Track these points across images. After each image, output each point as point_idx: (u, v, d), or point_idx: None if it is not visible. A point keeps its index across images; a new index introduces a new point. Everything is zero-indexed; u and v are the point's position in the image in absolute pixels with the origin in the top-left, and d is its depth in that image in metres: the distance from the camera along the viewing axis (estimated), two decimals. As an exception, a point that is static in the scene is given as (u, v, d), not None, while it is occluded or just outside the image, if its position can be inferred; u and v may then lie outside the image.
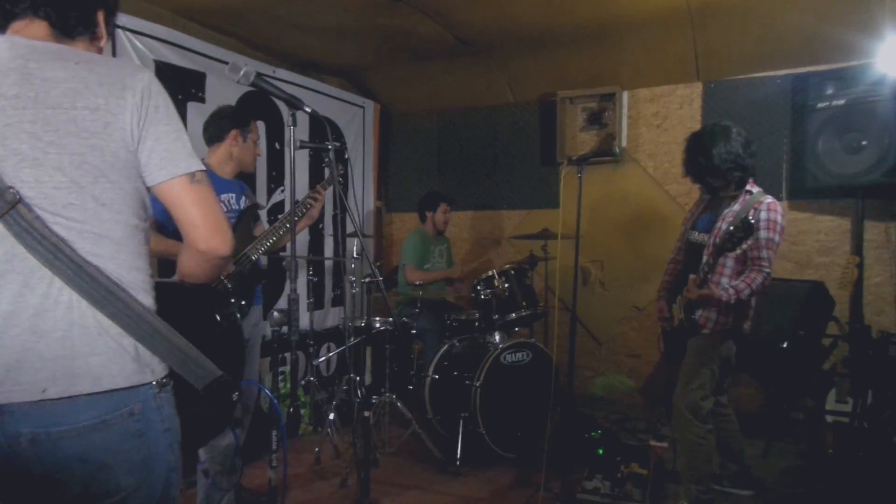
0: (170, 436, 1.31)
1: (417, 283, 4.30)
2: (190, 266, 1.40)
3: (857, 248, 3.90)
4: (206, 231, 1.31)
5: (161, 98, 1.29)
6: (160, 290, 1.35)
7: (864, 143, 3.65)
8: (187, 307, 1.40)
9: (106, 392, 1.21)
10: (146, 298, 1.28)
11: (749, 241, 2.64)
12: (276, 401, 2.45)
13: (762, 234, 2.76)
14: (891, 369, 3.46)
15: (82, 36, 1.34)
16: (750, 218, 2.63)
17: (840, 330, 3.73)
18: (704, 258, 2.89)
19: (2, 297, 1.19)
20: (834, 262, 4.09)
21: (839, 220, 4.09)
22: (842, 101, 3.73)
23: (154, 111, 1.27)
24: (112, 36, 1.48)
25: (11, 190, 1.16)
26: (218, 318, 1.47)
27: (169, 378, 1.31)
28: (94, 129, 1.22)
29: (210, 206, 1.33)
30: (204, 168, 1.34)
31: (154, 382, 1.28)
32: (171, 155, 1.29)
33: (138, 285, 1.27)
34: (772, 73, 4.25)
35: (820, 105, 3.82)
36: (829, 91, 3.79)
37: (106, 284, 1.21)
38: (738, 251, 2.69)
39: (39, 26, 1.30)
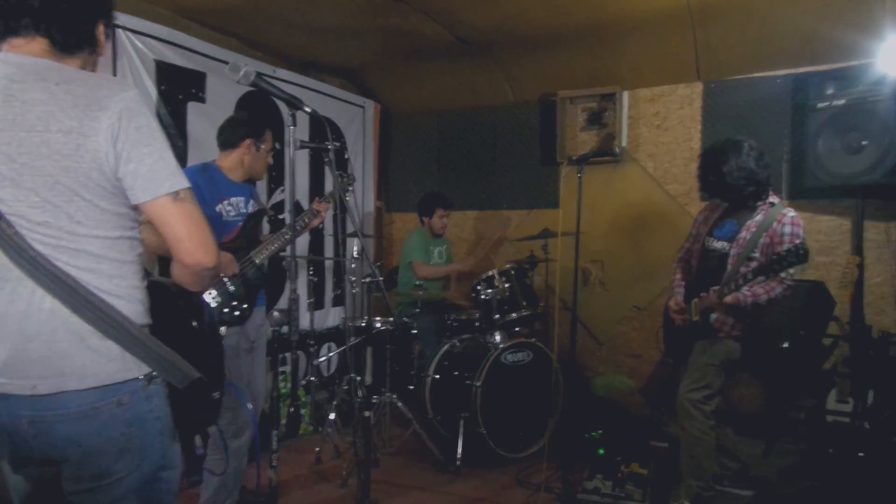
0: (159, 424, 1.39)
1: (424, 278, 4.30)
2: (180, 277, 1.46)
3: (858, 248, 3.89)
4: (191, 245, 1.36)
5: (143, 118, 1.31)
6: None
7: (864, 142, 3.64)
8: (166, 311, 1.46)
9: (92, 388, 1.29)
10: (127, 305, 1.34)
11: (796, 268, 2.70)
12: (248, 403, 2.47)
13: (786, 248, 2.78)
14: (891, 369, 3.46)
15: (82, 52, 1.38)
16: (804, 244, 2.67)
17: (841, 330, 3.73)
18: (729, 268, 2.91)
19: None
20: (834, 262, 4.08)
21: (839, 220, 4.08)
22: (842, 101, 3.72)
23: (136, 132, 1.30)
24: (112, 36, 1.50)
25: None
26: (194, 324, 1.52)
27: (156, 372, 1.38)
28: (67, 152, 1.26)
29: (195, 221, 1.37)
30: (188, 185, 1.37)
31: (141, 377, 1.35)
32: (153, 175, 1.32)
33: (120, 293, 1.33)
34: (772, 73, 4.24)
35: (820, 105, 3.81)
36: (830, 91, 3.78)
37: (83, 294, 1.27)
38: (784, 274, 2.75)
39: (39, 44, 1.33)
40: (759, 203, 2.94)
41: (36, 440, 1.30)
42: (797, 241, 2.76)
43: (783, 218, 2.84)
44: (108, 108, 1.27)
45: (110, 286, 1.32)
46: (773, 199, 2.96)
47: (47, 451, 1.32)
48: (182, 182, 1.35)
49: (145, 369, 1.35)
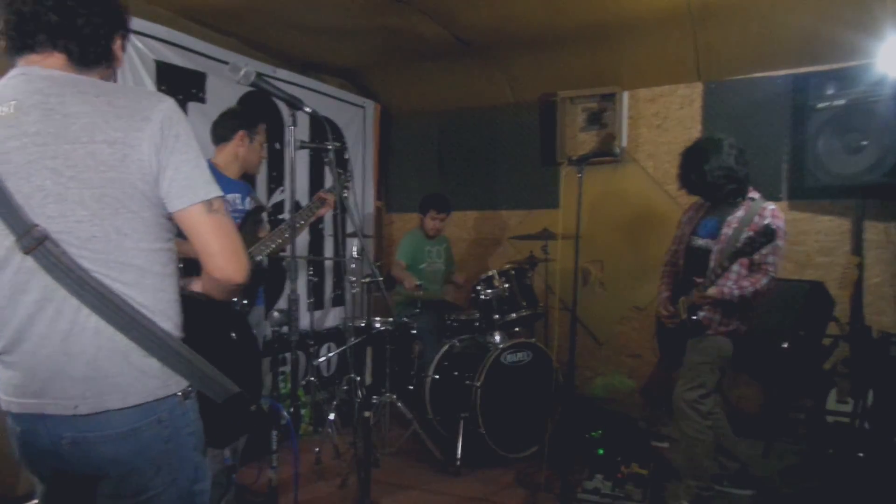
0: (194, 439, 1.40)
1: (394, 276, 4.44)
2: (207, 288, 1.46)
3: (858, 249, 3.90)
4: (221, 260, 1.36)
5: (181, 126, 1.33)
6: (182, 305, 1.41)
7: (864, 143, 3.64)
8: (205, 323, 1.46)
9: (133, 406, 1.30)
10: (169, 321, 1.34)
11: (767, 248, 2.72)
12: (288, 415, 2.48)
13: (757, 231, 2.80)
14: (891, 369, 3.46)
15: (99, 66, 1.37)
16: (771, 224, 2.71)
17: (840, 330, 3.73)
18: (712, 264, 2.93)
19: (39, 322, 1.27)
20: (834, 262, 4.09)
21: (839, 220, 4.08)
22: (842, 101, 3.73)
23: (174, 140, 1.31)
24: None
25: (38, 227, 1.22)
26: (234, 335, 1.53)
27: (192, 386, 1.39)
28: (112, 163, 1.25)
29: (227, 235, 1.37)
30: (221, 194, 1.37)
31: (179, 393, 1.36)
32: (189, 183, 1.33)
33: (161, 308, 1.33)
34: (772, 73, 4.24)
35: (820, 105, 3.81)
36: (830, 91, 3.79)
37: (129, 312, 1.27)
38: (757, 256, 2.79)
39: (57, 59, 1.32)
40: (740, 199, 2.97)
41: (76, 460, 1.30)
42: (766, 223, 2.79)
43: (763, 212, 2.88)
44: (151, 118, 1.28)
45: (154, 301, 1.31)
46: (752, 194, 2.99)
47: (87, 470, 1.32)
48: (216, 190, 1.36)
49: (183, 385, 1.36)
